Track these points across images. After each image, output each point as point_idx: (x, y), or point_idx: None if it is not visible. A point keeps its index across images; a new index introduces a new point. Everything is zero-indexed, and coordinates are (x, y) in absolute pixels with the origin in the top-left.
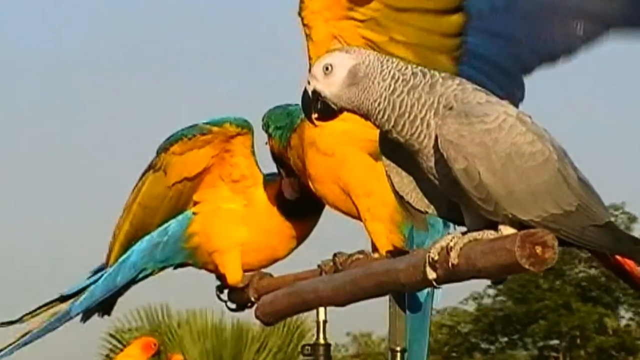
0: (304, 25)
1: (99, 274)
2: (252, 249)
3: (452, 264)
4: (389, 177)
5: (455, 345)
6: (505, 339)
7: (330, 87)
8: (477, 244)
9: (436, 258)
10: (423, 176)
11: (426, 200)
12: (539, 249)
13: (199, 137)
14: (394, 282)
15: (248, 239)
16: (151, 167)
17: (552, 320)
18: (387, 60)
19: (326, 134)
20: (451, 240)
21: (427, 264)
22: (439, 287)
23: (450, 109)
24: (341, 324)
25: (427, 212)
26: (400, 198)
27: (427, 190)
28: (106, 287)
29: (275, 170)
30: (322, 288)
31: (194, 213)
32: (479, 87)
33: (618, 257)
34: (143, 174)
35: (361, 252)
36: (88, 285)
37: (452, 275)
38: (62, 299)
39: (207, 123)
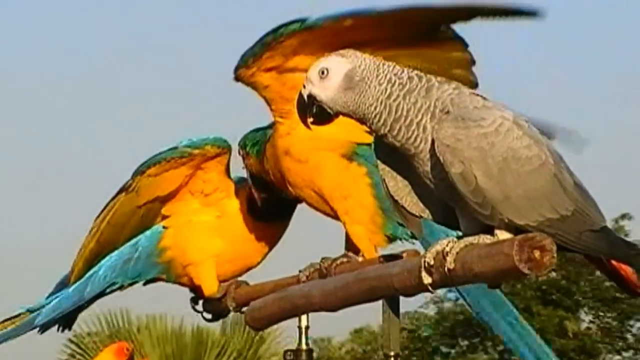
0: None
1: (65, 289)
2: (226, 260)
3: (448, 269)
4: (383, 181)
5: (415, 349)
6: (466, 342)
7: (326, 91)
8: (474, 248)
9: (432, 263)
10: (418, 180)
11: (421, 205)
12: (537, 253)
13: (177, 160)
14: (387, 286)
15: (223, 249)
16: (124, 189)
17: None
18: (383, 64)
19: (298, 141)
20: (447, 245)
21: (422, 269)
22: (433, 292)
23: (447, 113)
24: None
25: (422, 217)
26: (395, 202)
27: (422, 195)
28: (73, 299)
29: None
30: (314, 293)
31: (164, 227)
32: (475, 92)
33: (614, 262)
34: (115, 196)
35: (345, 255)
36: (54, 299)
37: (448, 280)
38: (31, 311)
39: (187, 146)
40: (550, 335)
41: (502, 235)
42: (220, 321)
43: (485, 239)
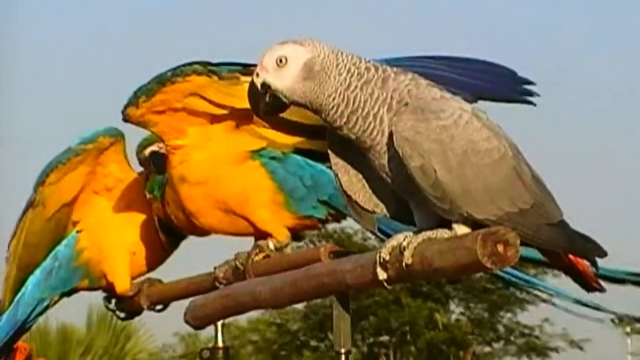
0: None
1: None
2: (139, 250)
3: (406, 264)
4: (336, 175)
5: (284, 343)
6: None
7: (284, 80)
8: (433, 243)
9: (387, 258)
10: (373, 174)
11: (375, 199)
12: (500, 247)
13: (73, 160)
14: (338, 283)
15: (135, 238)
16: (30, 204)
17: (382, 316)
18: (342, 54)
19: (194, 164)
20: (404, 240)
21: (377, 265)
22: (388, 288)
23: (406, 105)
24: (168, 324)
25: (374, 212)
26: (348, 198)
27: (376, 189)
28: (8, 326)
29: None
30: (260, 290)
31: (77, 232)
32: (432, 83)
33: (571, 256)
34: (22, 214)
35: (257, 246)
36: None
37: (405, 275)
38: None
39: (80, 143)
40: (420, 327)
41: (461, 229)
42: (86, 318)
43: (444, 233)
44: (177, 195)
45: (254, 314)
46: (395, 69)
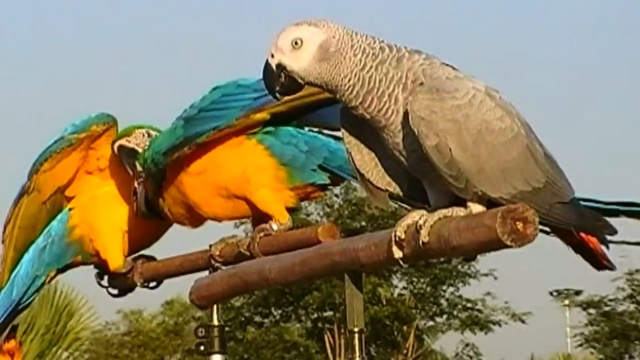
0: None
1: None
2: (131, 228)
3: (423, 242)
4: (349, 154)
5: (228, 319)
6: (280, 312)
7: (299, 62)
8: (450, 221)
9: (402, 237)
10: (386, 153)
11: (387, 178)
12: (520, 225)
13: (67, 149)
14: (351, 262)
15: (127, 217)
16: (24, 192)
17: (325, 292)
18: (356, 34)
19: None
20: (419, 218)
21: (393, 243)
22: (404, 266)
23: (421, 84)
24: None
25: (387, 190)
26: (361, 176)
27: (389, 168)
28: (4, 304)
29: None
30: (269, 268)
31: (70, 209)
32: (445, 62)
33: (582, 234)
34: (17, 201)
35: (261, 229)
36: None
37: (421, 253)
38: None
39: (73, 132)
40: (364, 302)
41: (476, 207)
42: None
43: (459, 211)
44: (179, 189)
45: None
46: (409, 48)
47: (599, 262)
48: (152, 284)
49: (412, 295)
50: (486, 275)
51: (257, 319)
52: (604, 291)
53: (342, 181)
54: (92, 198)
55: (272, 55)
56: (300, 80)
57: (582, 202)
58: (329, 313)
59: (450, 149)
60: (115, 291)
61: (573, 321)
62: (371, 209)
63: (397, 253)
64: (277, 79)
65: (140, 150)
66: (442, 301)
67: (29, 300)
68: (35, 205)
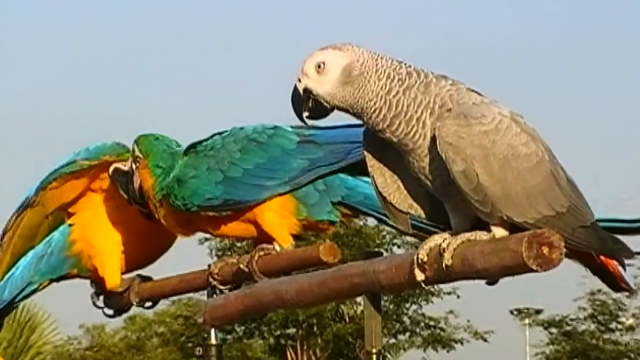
0: None
1: None
2: (129, 249)
3: (446, 265)
4: (372, 177)
5: (191, 335)
6: (243, 328)
7: (324, 85)
8: (474, 244)
9: (425, 259)
10: (409, 176)
11: (409, 201)
12: (545, 250)
13: (77, 173)
14: (371, 283)
15: (125, 238)
16: (29, 204)
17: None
18: (381, 59)
19: None
20: (443, 241)
21: (415, 265)
22: (425, 289)
23: (449, 110)
24: (73, 316)
25: (409, 213)
26: (383, 198)
27: (411, 191)
28: None
29: None
30: (285, 290)
31: (71, 224)
32: (471, 87)
33: (602, 257)
34: (20, 212)
35: (261, 248)
36: None
37: (444, 276)
38: None
39: (85, 158)
40: (326, 319)
41: (499, 232)
42: None
43: (482, 235)
44: (193, 224)
45: (160, 306)
46: (436, 73)
47: (617, 285)
48: (148, 304)
49: None
50: (449, 293)
51: (220, 335)
52: (565, 310)
53: (357, 216)
54: (93, 216)
55: (299, 80)
56: (326, 104)
57: (604, 222)
58: (292, 330)
59: (477, 174)
60: (110, 312)
61: (534, 340)
62: (335, 227)
63: (420, 275)
64: (304, 103)
65: (128, 172)
66: (405, 319)
67: (19, 302)
68: (37, 218)
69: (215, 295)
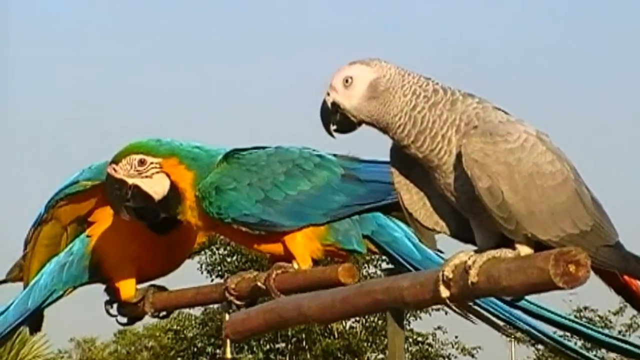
0: None
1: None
2: (144, 260)
3: (472, 282)
4: (398, 194)
5: (180, 350)
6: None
7: (350, 100)
8: (499, 262)
9: (450, 276)
10: (435, 193)
11: (435, 217)
12: (572, 267)
13: (80, 193)
14: (394, 300)
15: (140, 251)
16: (42, 221)
17: None
18: (408, 75)
19: None
20: (469, 259)
21: (440, 282)
22: (451, 306)
23: (474, 127)
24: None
25: (435, 230)
26: (409, 215)
27: (437, 207)
28: (19, 312)
29: None
30: (308, 305)
31: (88, 236)
32: (497, 106)
33: (625, 277)
34: (36, 227)
35: (279, 267)
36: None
37: (469, 293)
38: None
39: (87, 179)
40: (315, 334)
41: (524, 249)
42: None
43: (508, 253)
44: (221, 229)
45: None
46: (463, 91)
47: None
48: (162, 314)
49: (364, 329)
50: (437, 309)
51: (210, 349)
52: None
53: (385, 255)
54: (109, 227)
55: (328, 94)
56: (353, 118)
57: None
58: (282, 344)
59: (502, 192)
60: (124, 320)
61: (521, 356)
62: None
63: (445, 292)
64: (333, 116)
65: (128, 181)
66: None
67: (44, 309)
68: (56, 230)
69: (231, 310)
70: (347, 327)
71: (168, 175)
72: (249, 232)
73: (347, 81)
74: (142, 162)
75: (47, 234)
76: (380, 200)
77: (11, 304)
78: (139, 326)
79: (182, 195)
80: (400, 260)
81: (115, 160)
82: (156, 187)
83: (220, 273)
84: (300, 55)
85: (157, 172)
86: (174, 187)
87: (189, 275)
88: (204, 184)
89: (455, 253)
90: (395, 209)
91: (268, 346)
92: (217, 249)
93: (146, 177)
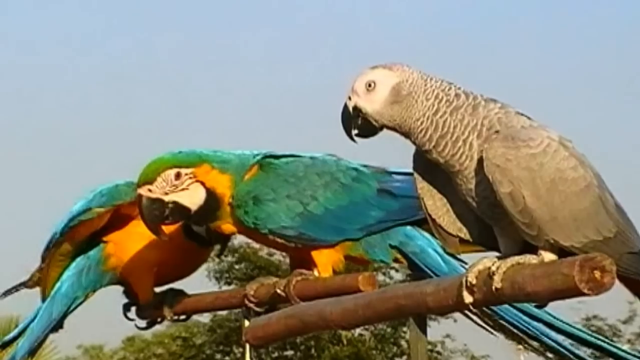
0: None
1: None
2: (163, 265)
3: (496, 288)
4: (422, 199)
5: (189, 357)
6: (240, 349)
7: (373, 104)
8: (524, 268)
9: (474, 282)
10: (458, 199)
11: (458, 224)
12: (597, 274)
13: (93, 220)
14: (418, 305)
15: (159, 259)
16: (56, 242)
17: None
18: (431, 79)
19: None
20: (493, 264)
21: (463, 288)
22: (474, 311)
23: (496, 132)
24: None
25: (458, 236)
26: (432, 221)
27: (460, 213)
28: (44, 323)
29: None
30: (330, 311)
31: (104, 241)
32: (520, 111)
33: None
34: (49, 248)
35: (300, 273)
36: (26, 327)
37: (493, 299)
38: (3, 345)
39: (99, 205)
40: (324, 342)
41: (547, 256)
42: None
43: (531, 259)
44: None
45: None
46: (485, 96)
47: None
48: (182, 317)
49: (373, 336)
50: (446, 317)
51: (219, 356)
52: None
53: (412, 265)
54: (127, 234)
55: (350, 98)
56: (374, 123)
57: None
58: (290, 352)
59: (524, 197)
60: (143, 324)
61: None
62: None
63: (468, 298)
64: (354, 121)
65: (165, 199)
66: (403, 342)
67: (64, 319)
68: (69, 246)
69: (249, 316)
70: (356, 335)
71: (203, 184)
72: (285, 243)
73: (369, 85)
74: (178, 176)
75: (62, 251)
76: (414, 215)
77: (35, 316)
78: (147, 333)
79: (220, 199)
80: (427, 271)
81: (148, 181)
82: (194, 198)
83: (228, 280)
84: (299, 60)
85: (192, 183)
86: (210, 194)
87: (197, 282)
88: (239, 191)
89: (479, 259)
90: (425, 223)
91: (276, 353)
92: (225, 256)
93: (183, 189)
